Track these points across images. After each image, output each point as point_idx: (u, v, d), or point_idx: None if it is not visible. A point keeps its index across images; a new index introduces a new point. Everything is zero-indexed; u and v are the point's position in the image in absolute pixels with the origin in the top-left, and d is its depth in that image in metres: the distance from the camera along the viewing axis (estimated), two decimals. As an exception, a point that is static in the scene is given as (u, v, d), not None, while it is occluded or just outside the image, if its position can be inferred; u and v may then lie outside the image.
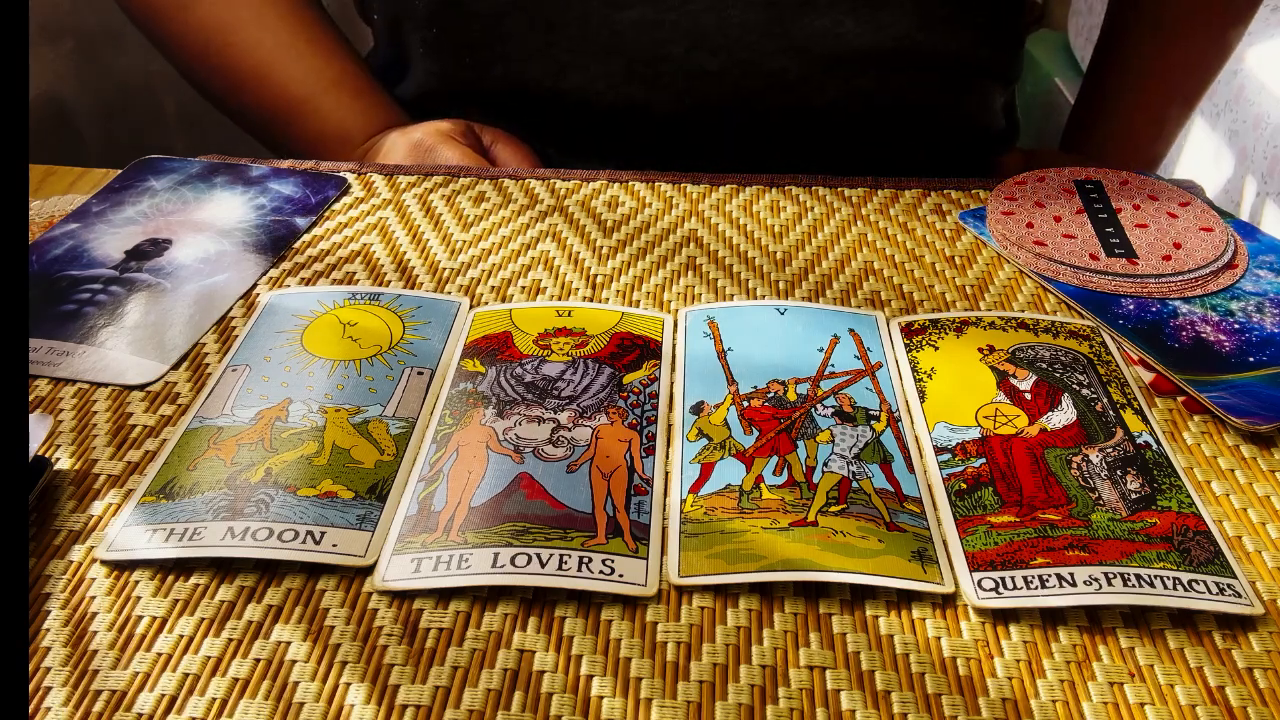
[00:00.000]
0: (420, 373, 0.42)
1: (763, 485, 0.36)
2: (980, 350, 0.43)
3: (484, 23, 0.59)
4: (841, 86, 0.59)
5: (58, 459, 0.37)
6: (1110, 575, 0.33)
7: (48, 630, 0.32)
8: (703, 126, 0.60)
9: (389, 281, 0.47)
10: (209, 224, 0.51)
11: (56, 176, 0.56)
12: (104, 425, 0.39)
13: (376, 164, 0.57)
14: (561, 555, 0.33)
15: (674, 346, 0.43)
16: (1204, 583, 0.33)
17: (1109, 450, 0.38)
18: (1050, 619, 0.32)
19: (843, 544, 0.34)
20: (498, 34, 0.59)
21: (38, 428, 0.37)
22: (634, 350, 0.43)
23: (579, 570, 0.33)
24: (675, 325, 0.45)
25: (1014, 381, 0.41)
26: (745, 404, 0.40)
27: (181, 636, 0.31)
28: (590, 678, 0.31)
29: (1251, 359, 0.43)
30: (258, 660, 0.31)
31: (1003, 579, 0.33)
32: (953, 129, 0.66)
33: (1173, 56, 0.69)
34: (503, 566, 0.33)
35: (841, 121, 0.61)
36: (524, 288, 0.47)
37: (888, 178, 0.56)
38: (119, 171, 0.55)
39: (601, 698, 0.30)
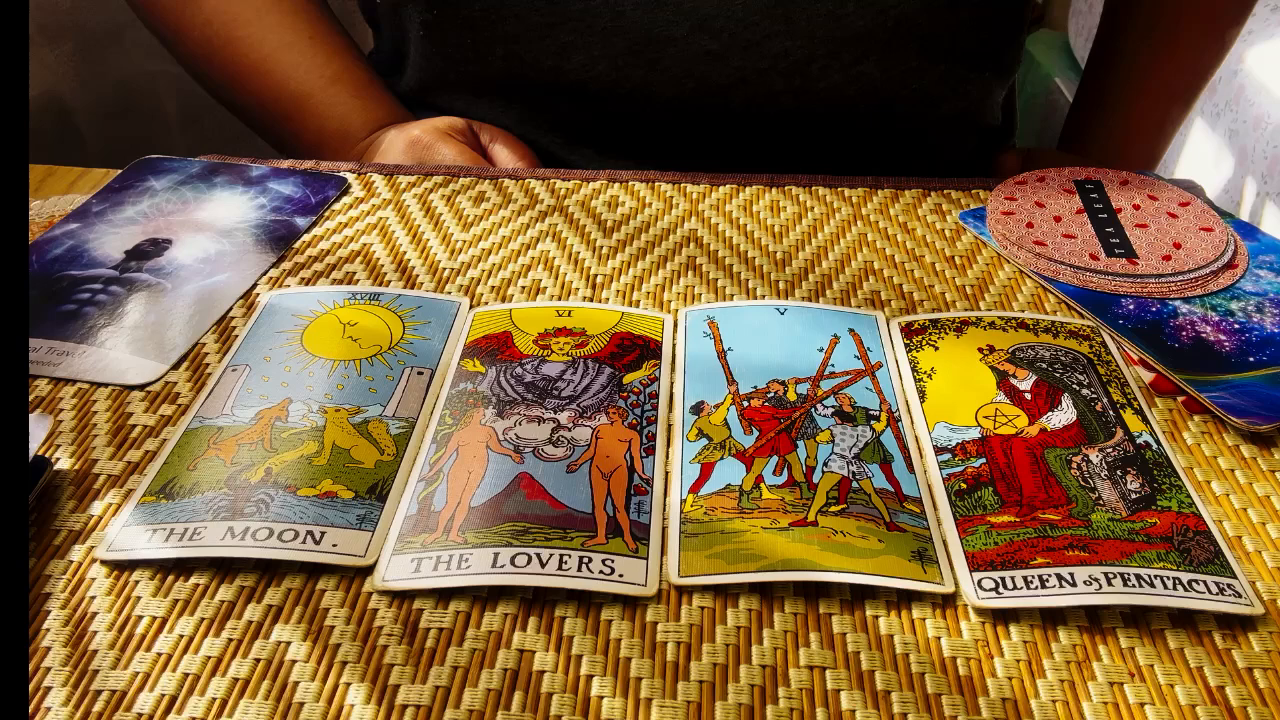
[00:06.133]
0: (420, 373, 0.42)
1: (763, 485, 0.36)
2: (980, 350, 0.43)
3: (486, 2, 0.59)
4: (844, 71, 0.59)
5: (58, 459, 0.37)
6: (1110, 575, 0.33)
7: (48, 630, 0.32)
8: (704, 112, 0.61)
9: (389, 281, 0.47)
10: (209, 224, 0.51)
11: (56, 176, 0.56)
12: (104, 425, 0.39)
13: (376, 164, 0.57)
14: (561, 555, 0.33)
15: (674, 346, 0.43)
16: (1204, 583, 0.33)
17: (1109, 450, 0.38)
18: (1050, 619, 0.32)
19: (843, 544, 0.34)
20: (499, 14, 0.59)
21: (38, 428, 0.37)
22: (634, 350, 0.43)
23: (579, 570, 0.33)
24: (675, 325, 0.45)
25: (1014, 381, 0.41)
26: (745, 404, 0.40)
27: (181, 636, 0.31)
28: (590, 678, 0.31)
29: (1251, 359, 0.43)
30: (258, 660, 0.31)
31: (1003, 579, 0.33)
32: (952, 120, 0.66)
33: (1169, 59, 0.70)
34: (503, 566, 0.33)
35: (843, 108, 0.61)
36: (524, 288, 0.47)
37: (888, 177, 0.56)
38: (119, 171, 0.55)
39: (601, 698, 0.30)
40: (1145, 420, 0.40)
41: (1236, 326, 0.45)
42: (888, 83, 0.60)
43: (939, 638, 0.32)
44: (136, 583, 0.33)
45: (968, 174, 0.69)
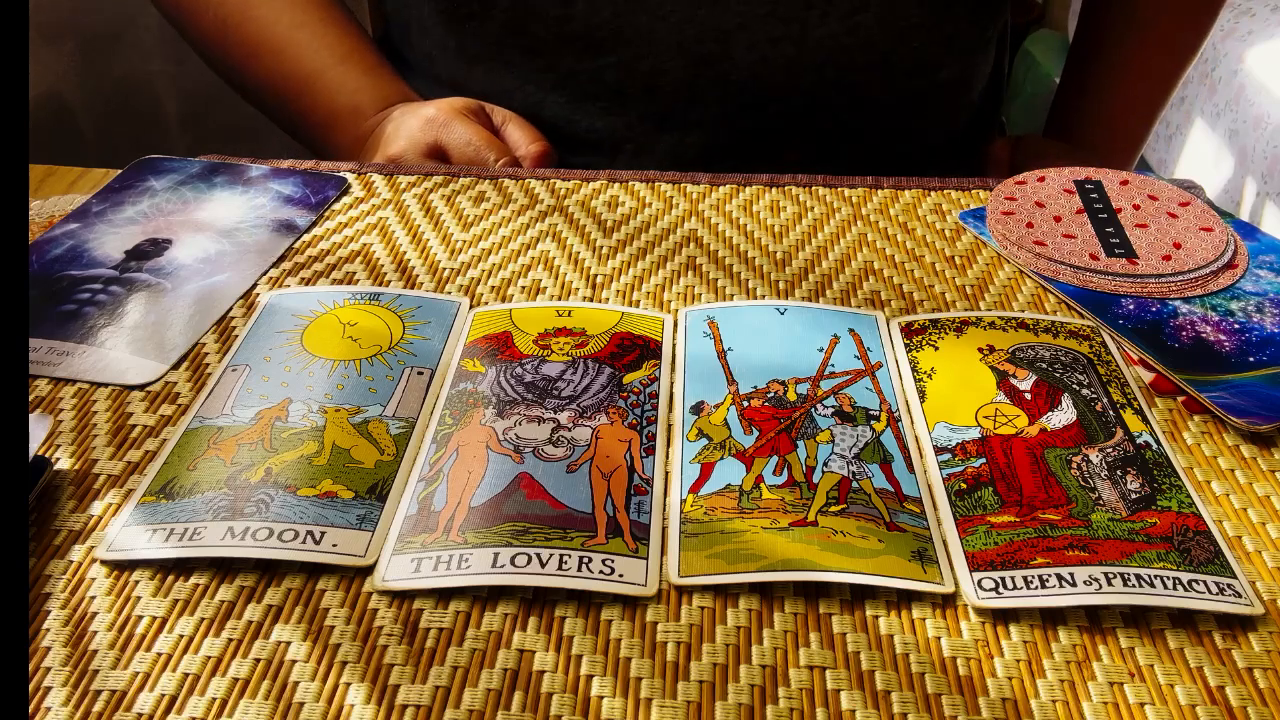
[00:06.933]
0: (420, 373, 0.42)
1: (763, 485, 0.36)
2: (980, 350, 0.43)
3: None
4: (841, 20, 0.60)
5: (58, 459, 0.37)
6: (1110, 575, 0.33)
7: (48, 630, 0.32)
8: (705, 60, 0.61)
9: (389, 281, 0.47)
10: (209, 224, 0.51)
11: (56, 176, 0.56)
12: (104, 425, 0.39)
13: (376, 164, 0.57)
14: (561, 555, 0.33)
15: (674, 346, 0.43)
16: (1204, 583, 0.33)
17: (1109, 450, 0.38)
18: (1050, 619, 0.32)
19: (843, 544, 0.34)
20: None
21: (38, 428, 0.37)
22: (634, 350, 0.43)
23: (579, 570, 0.33)
24: (675, 325, 0.45)
25: (1014, 381, 0.41)
26: (745, 404, 0.40)
27: (181, 636, 0.31)
28: (590, 678, 0.31)
29: (1251, 359, 0.43)
30: (258, 660, 0.31)
31: (1003, 579, 0.33)
32: (949, 87, 0.67)
33: (1150, 43, 0.73)
34: (503, 566, 0.33)
35: (842, 58, 0.62)
36: (524, 288, 0.47)
37: (887, 177, 0.56)
38: (119, 171, 0.55)
39: (601, 698, 0.30)
40: (1145, 420, 0.40)
41: (1236, 326, 0.45)
42: (886, 36, 0.61)
43: (939, 638, 0.32)
44: (136, 583, 0.33)
45: (956, 154, 0.70)
